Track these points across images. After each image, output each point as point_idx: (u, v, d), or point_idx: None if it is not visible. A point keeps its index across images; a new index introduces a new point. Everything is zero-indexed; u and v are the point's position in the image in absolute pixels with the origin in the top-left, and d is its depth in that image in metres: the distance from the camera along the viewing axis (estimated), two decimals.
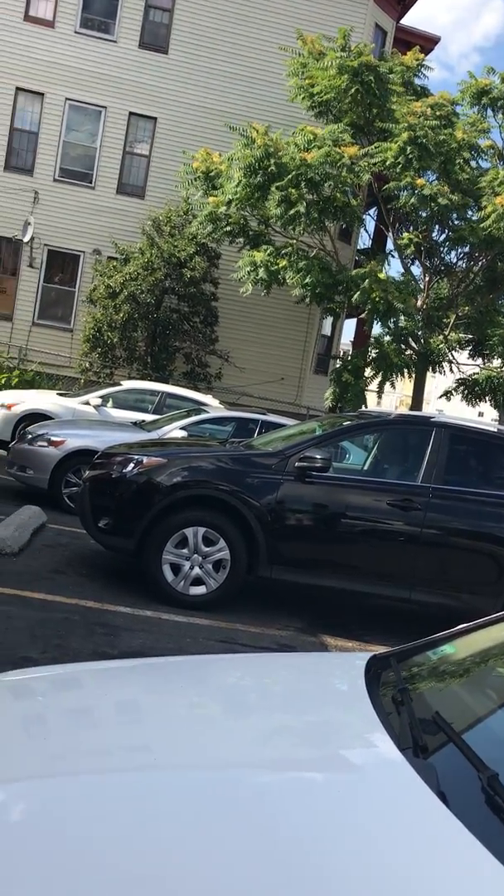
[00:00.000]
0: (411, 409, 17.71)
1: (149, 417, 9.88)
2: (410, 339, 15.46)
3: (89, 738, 1.62)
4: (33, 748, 1.55)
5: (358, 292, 13.76)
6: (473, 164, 14.86)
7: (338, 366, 16.48)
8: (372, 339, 16.48)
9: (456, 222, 15.14)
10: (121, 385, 11.47)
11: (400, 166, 13.75)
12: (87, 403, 10.40)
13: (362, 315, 15.38)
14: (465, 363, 18.17)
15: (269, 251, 14.33)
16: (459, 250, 16.55)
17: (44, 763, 1.45)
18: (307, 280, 14.01)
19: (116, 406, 10.48)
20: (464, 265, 17.09)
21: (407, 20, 20.29)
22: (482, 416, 33.75)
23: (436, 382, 28.66)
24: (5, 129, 17.08)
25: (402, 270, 16.09)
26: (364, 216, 17.62)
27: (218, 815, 1.27)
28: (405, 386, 20.34)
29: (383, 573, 5.66)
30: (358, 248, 19.49)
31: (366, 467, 6.36)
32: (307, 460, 5.47)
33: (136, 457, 5.70)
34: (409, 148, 13.59)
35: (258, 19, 17.46)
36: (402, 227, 16.53)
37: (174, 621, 5.12)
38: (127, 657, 4.17)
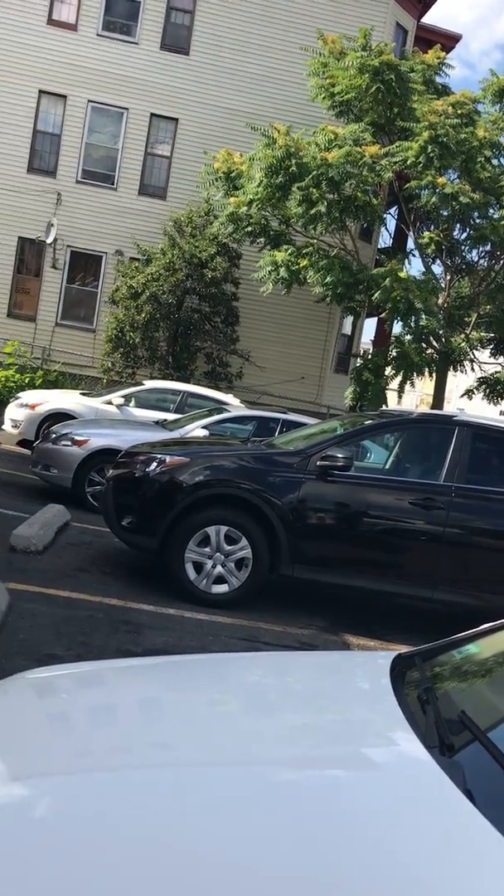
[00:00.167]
0: (432, 407, 17.63)
1: (171, 417, 9.93)
2: (431, 338, 15.39)
3: (113, 735, 1.64)
4: (58, 745, 1.57)
5: (379, 291, 13.73)
6: (495, 162, 14.76)
7: (358, 365, 16.45)
8: (392, 338, 16.43)
9: (477, 221, 15.05)
10: (143, 385, 11.53)
11: (421, 165, 13.70)
12: (110, 403, 10.47)
13: (383, 314, 15.33)
14: (487, 362, 18.08)
15: (289, 251, 14.34)
16: (481, 249, 16.45)
17: (68, 760, 1.48)
18: (328, 279, 14.01)
19: (138, 405, 10.54)
20: (485, 264, 16.97)
21: (428, 18, 20.23)
22: None
23: (456, 381, 28.51)
24: (28, 132, 17.22)
25: (423, 269, 16.03)
26: (385, 215, 17.56)
27: (243, 811, 1.28)
28: (425, 385, 20.27)
29: (405, 572, 5.65)
30: (378, 247, 19.42)
31: (387, 466, 6.35)
32: (329, 459, 5.47)
33: (158, 456, 5.74)
34: (430, 146, 13.53)
35: (279, 20, 17.46)
36: (423, 225, 16.46)
37: (197, 619, 5.15)
38: (150, 655, 4.20)
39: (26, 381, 15.19)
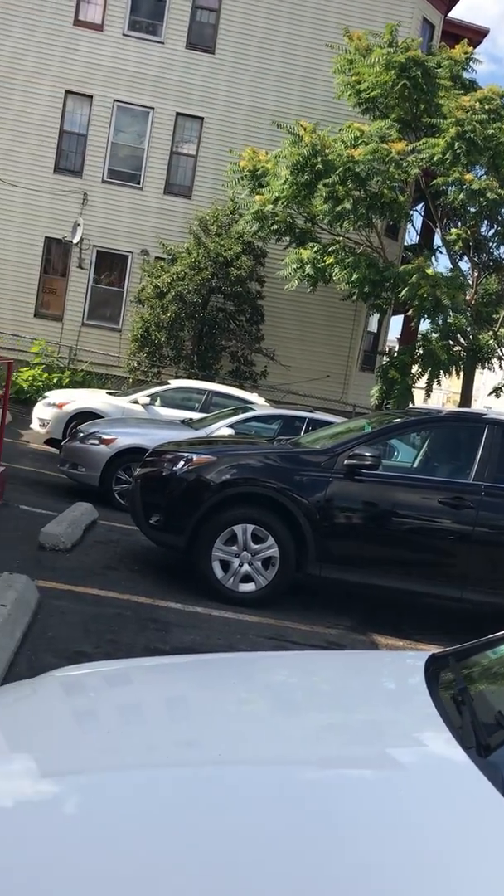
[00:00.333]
0: (459, 405, 17.47)
1: (196, 416, 9.95)
2: (459, 336, 15.26)
3: (141, 733, 1.65)
4: (87, 742, 1.58)
5: (405, 288, 13.65)
6: None
7: (384, 363, 16.36)
8: (419, 336, 16.31)
9: None
10: (168, 384, 11.56)
11: (448, 161, 13.57)
12: (136, 402, 10.51)
13: (409, 311, 15.23)
14: None
15: (315, 248, 14.30)
16: None
17: (96, 757, 1.48)
18: (354, 276, 13.93)
19: (164, 405, 10.57)
20: None
21: (455, 13, 20.04)
22: None
23: (483, 379, 28.24)
24: (55, 132, 17.35)
25: (450, 266, 15.88)
26: (411, 212, 17.45)
27: (271, 809, 1.28)
28: (452, 383, 20.10)
29: (434, 572, 5.61)
30: (405, 244, 19.31)
31: (416, 465, 6.30)
32: (356, 458, 5.44)
33: (185, 454, 5.75)
34: (457, 143, 13.41)
35: (304, 17, 17.41)
36: (450, 222, 16.33)
37: (224, 618, 5.15)
38: (178, 653, 4.21)
39: (53, 380, 15.33)
